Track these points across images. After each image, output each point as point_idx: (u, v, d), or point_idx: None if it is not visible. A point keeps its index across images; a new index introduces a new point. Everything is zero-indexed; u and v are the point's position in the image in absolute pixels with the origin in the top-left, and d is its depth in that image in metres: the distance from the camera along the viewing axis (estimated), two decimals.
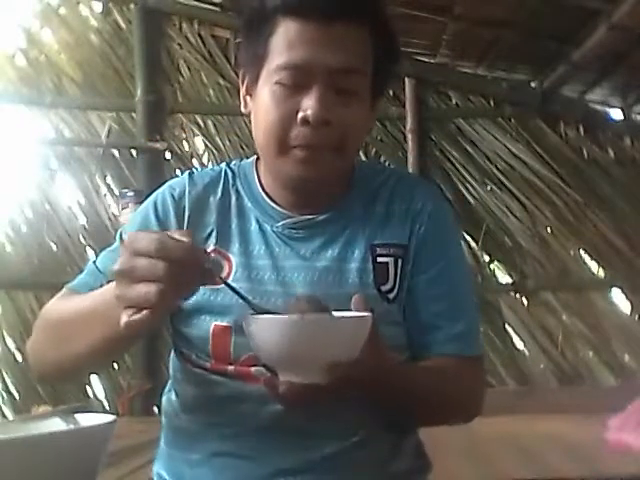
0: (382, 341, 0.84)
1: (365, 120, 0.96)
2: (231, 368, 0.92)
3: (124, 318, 0.71)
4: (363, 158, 3.55)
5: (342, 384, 0.77)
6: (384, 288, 0.95)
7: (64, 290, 1.00)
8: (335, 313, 0.79)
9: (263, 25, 0.91)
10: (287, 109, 0.89)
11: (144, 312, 0.70)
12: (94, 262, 1.00)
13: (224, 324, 0.91)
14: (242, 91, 0.99)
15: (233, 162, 1.06)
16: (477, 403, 1.01)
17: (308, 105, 0.88)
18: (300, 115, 0.88)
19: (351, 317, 0.79)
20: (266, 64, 0.91)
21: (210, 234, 0.97)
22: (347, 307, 0.82)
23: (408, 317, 0.97)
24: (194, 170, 1.05)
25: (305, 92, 0.89)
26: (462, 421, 1.02)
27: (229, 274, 0.94)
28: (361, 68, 0.92)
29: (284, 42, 0.89)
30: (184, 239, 0.72)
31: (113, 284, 0.75)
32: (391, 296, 0.95)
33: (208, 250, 0.95)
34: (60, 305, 0.94)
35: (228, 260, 0.95)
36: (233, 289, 0.81)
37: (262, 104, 0.91)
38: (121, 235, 0.91)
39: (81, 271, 1.02)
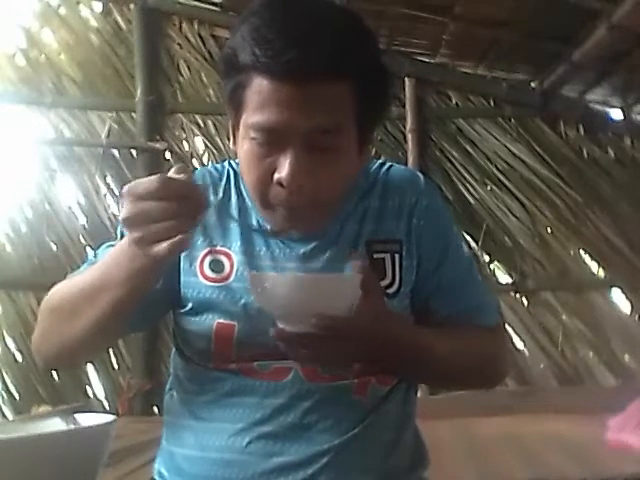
0: (382, 303, 0.88)
1: (348, 171, 0.92)
2: (233, 365, 0.92)
3: (159, 248, 0.74)
4: None
5: (337, 337, 0.80)
6: (382, 284, 0.95)
7: (65, 281, 0.99)
8: (327, 274, 0.87)
9: (238, 76, 0.87)
10: (264, 169, 0.87)
11: (177, 237, 0.73)
12: (94, 254, 1.01)
13: (228, 322, 0.92)
14: (229, 126, 0.96)
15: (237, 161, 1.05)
16: (501, 368, 1.05)
17: (282, 169, 0.85)
18: (275, 177, 0.86)
19: (332, 276, 0.85)
20: (243, 115, 0.88)
21: (206, 232, 0.96)
22: None
23: (421, 309, 0.99)
24: (197, 168, 1.06)
25: (281, 151, 0.85)
26: (486, 385, 1.05)
27: (231, 271, 0.94)
28: (340, 126, 0.87)
29: (257, 100, 0.85)
30: (182, 176, 0.75)
31: (118, 245, 0.82)
32: (390, 291, 0.95)
33: (204, 251, 0.96)
34: (61, 288, 0.95)
35: (228, 257, 0.95)
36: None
37: (241, 157, 0.89)
38: (122, 232, 0.91)
39: None
